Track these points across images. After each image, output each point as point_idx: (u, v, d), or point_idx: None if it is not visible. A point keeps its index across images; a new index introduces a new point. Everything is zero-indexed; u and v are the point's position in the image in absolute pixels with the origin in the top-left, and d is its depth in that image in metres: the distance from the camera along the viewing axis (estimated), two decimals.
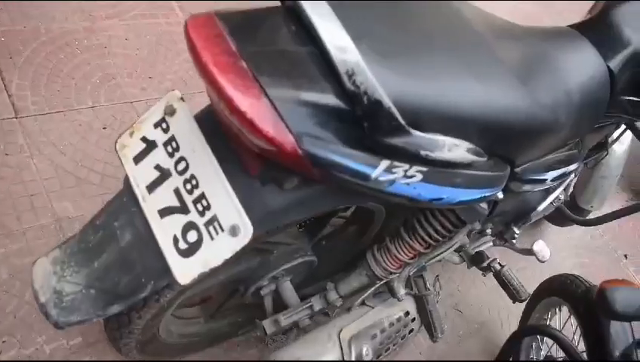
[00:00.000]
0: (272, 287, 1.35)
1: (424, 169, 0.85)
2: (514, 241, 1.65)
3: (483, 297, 2.23)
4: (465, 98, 0.84)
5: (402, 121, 0.73)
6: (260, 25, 0.76)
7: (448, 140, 0.81)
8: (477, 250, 1.73)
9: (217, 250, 0.84)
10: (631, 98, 1.40)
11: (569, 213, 1.90)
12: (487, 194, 1.02)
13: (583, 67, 1.23)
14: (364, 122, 0.71)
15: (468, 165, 0.90)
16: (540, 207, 1.60)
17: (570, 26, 1.38)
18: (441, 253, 1.40)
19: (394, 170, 0.81)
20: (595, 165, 2.00)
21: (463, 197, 0.96)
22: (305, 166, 0.74)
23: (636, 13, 1.35)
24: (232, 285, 1.37)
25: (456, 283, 2.22)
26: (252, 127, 0.68)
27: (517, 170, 1.16)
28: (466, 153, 0.85)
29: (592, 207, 2.16)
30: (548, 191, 1.62)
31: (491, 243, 1.71)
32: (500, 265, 1.69)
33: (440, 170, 0.87)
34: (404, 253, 1.27)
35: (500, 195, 1.15)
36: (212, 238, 0.85)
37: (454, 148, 0.82)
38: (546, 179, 1.28)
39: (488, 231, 1.60)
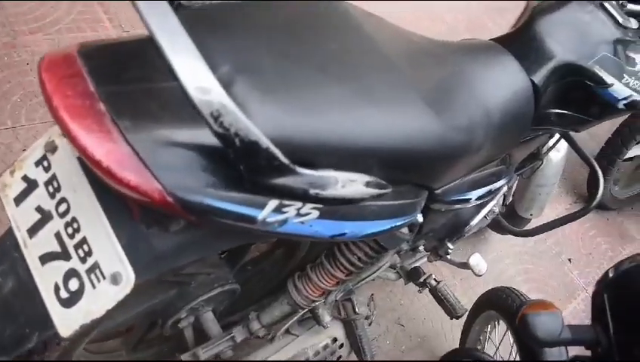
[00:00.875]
0: (191, 319, 1.28)
1: (320, 206, 0.79)
2: (448, 257, 1.61)
3: (426, 310, 2.20)
4: (361, 129, 0.79)
5: (285, 161, 0.67)
6: (125, 59, 0.70)
7: (343, 176, 0.75)
8: (414, 265, 1.70)
9: (99, 300, 0.77)
10: (557, 110, 1.38)
11: (506, 224, 1.88)
12: (398, 224, 0.97)
13: (504, 83, 1.20)
14: (240, 164, 0.66)
15: (371, 198, 0.85)
16: (473, 222, 1.58)
17: (494, 39, 1.35)
18: (368, 276, 1.35)
19: (285, 209, 0.76)
20: (531, 175, 1.99)
21: (369, 229, 0.91)
22: (179, 213, 0.68)
23: (560, 25, 1.33)
24: (149, 317, 1.30)
25: (398, 297, 2.19)
26: (111, 176, 0.62)
27: (437, 191, 1.12)
28: (365, 187, 0.79)
29: (531, 215, 2.16)
30: (481, 206, 1.59)
31: (426, 259, 1.68)
32: (436, 281, 1.66)
33: (338, 206, 0.82)
34: (325, 280, 1.22)
35: (420, 219, 1.11)
36: (94, 287, 0.78)
37: (350, 184, 0.76)
38: (470, 199, 1.25)
39: (420, 248, 1.57)
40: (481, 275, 1.69)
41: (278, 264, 1.42)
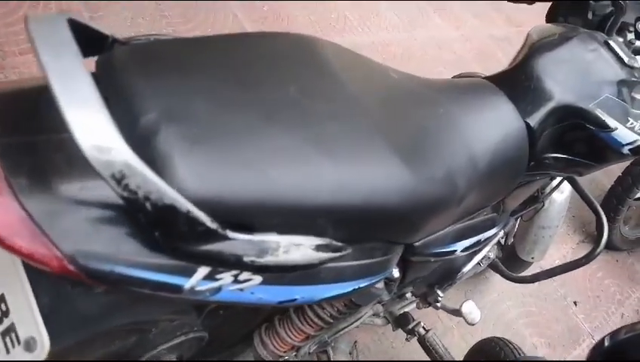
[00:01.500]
0: None
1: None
2: (438, 305, 1.51)
3: (418, 354, 2.07)
4: (312, 186, 0.69)
5: (212, 225, 0.58)
6: (27, 104, 0.61)
7: (286, 240, 0.66)
8: (403, 310, 1.60)
9: None
10: (556, 155, 1.28)
11: (503, 269, 1.77)
12: (364, 285, 0.87)
13: (495, 126, 1.10)
14: (154, 230, 0.56)
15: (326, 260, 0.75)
16: (465, 269, 1.47)
17: (487, 78, 1.26)
18: (345, 328, 1.25)
19: (218, 276, 0.66)
20: (531, 217, 1.88)
21: (327, 293, 0.81)
22: (87, 282, 0.58)
23: (559, 63, 1.23)
24: None
25: (389, 340, 2.07)
26: (2, 243, 0.53)
27: (416, 244, 1.02)
28: (314, 252, 0.70)
29: (532, 258, 2.04)
30: (474, 253, 1.49)
31: (414, 306, 1.57)
32: (425, 329, 1.55)
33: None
34: (293, 335, 1.12)
35: (396, 274, 1.01)
36: (8, 351, 0.69)
37: (294, 249, 0.67)
38: (455, 250, 1.14)
39: (408, 294, 1.46)
40: (474, 324, 1.58)
41: (250, 309, 1.32)
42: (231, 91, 0.70)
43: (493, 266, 1.78)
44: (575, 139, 1.26)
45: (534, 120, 1.17)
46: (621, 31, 1.54)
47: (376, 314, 1.41)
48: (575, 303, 2.62)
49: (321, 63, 0.86)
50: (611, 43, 1.32)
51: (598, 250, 1.59)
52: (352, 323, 1.26)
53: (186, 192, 0.56)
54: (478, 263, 1.50)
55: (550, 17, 1.54)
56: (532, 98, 1.18)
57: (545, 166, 1.28)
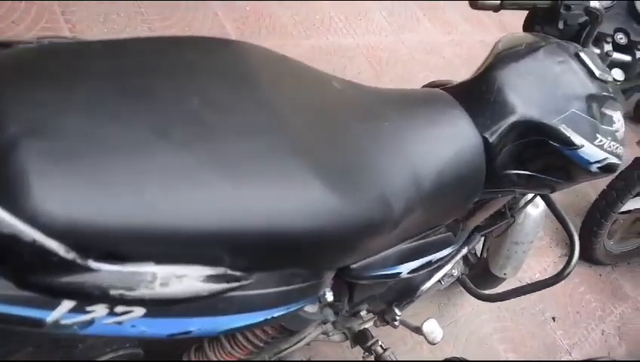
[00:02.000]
0: None
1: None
2: (395, 323, 1.43)
3: None
4: (200, 212, 0.61)
5: (68, 255, 0.51)
6: None
7: (164, 271, 0.59)
8: (363, 326, 1.53)
9: None
10: (519, 172, 1.20)
11: (471, 287, 1.70)
12: (279, 314, 0.80)
13: (447, 141, 1.03)
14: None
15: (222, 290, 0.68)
16: (424, 287, 1.40)
17: (446, 89, 1.19)
18: (286, 349, 1.18)
19: (89, 308, 0.59)
20: (503, 233, 1.81)
21: (230, 324, 0.74)
22: None
23: (522, 75, 1.16)
24: None
25: (355, 355, 2.00)
26: None
27: (353, 266, 0.95)
28: (202, 283, 0.63)
29: (505, 274, 1.97)
30: (432, 270, 1.42)
31: (372, 323, 1.50)
32: (382, 348, 1.48)
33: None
34: (223, 358, 1.05)
35: (329, 298, 0.94)
36: None
37: (175, 281, 0.60)
38: (400, 273, 1.07)
39: (363, 312, 1.39)
40: (435, 344, 1.52)
41: None
42: (118, 103, 0.63)
43: (461, 282, 1.71)
44: (539, 155, 1.19)
45: (493, 135, 1.10)
46: (598, 42, 1.47)
47: (325, 333, 1.34)
48: (553, 318, 2.55)
49: (242, 73, 0.79)
50: (582, 55, 1.25)
51: (568, 270, 1.53)
52: (295, 344, 1.19)
53: (40, 218, 0.49)
54: (439, 281, 1.43)
55: (527, 26, 1.47)
56: (492, 112, 1.11)
57: (507, 183, 1.21)
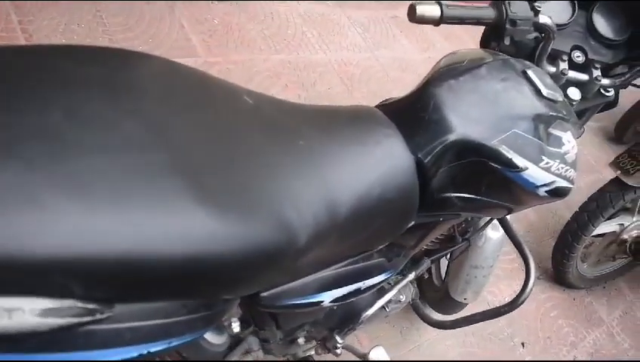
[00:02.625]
0: None
1: None
2: (337, 351, 1.36)
3: None
4: (33, 237, 0.54)
5: None
6: None
7: None
8: (308, 353, 1.45)
9: None
10: (460, 195, 1.14)
11: (422, 313, 1.63)
12: (157, 349, 0.72)
13: (373, 163, 0.96)
14: None
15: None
16: (367, 314, 1.33)
17: (381, 105, 1.13)
18: None
19: None
20: (458, 256, 1.74)
21: (94, 359, 0.66)
22: None
23: (460, 93, 1.10)
24: None
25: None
26: None
27: (262, 294, 0.88)
28: (38, 318, 0.55)
29: (465, 299, 1.90)
30: (379, 293, 1.35)
31: (314, 351, 1.43)
32: None
33: None
34: None
35: (235, 329, 0.86)
36: None
37: (3, 316, 0.52)
38: (322, 301, 1.00)
39: (300, 340, 1.31)
40: None
41: None
42: None
43: (414, 308, 1.64)
44: (480, 178, 1.13)
45: (427, 155, 1.03)
46: (554, 59, 1.42)
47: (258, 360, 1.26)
48: (523, 344, 2.47)
49: (128, 85, 0.72)
50: (530, 72, 1.19)
51: (523, 298, 1.46)
52: None
53: None
54: (384, 307, 1.36)
55: (483, 42, 1.41)
56: (426, 131, 1.05)
57: (447, 206, 1.15)
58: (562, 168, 1.17)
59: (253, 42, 2.80)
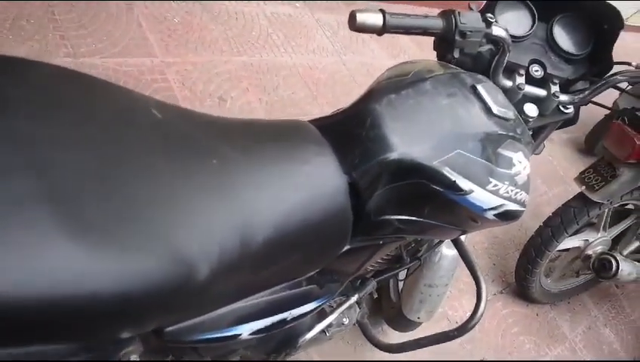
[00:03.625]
0: None
1: None
2: None
3: None
4: None
5: None
6: None
7: None
8: None
9: None
10: (402, 217, 1.06)
11: (370, 335, 1.55)
12: None
13: (297, 185, 0.88)
14: None
15: None
16: (305, 338, 1.24)
17: (315, 120, 1.04)
18: None
19: None
20: (412, 273, 1.67)
21: None
22: None
23: (401, 109, 1.02)
24: None
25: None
26: None
27: (167, 330, 0.79)
28: None
29: (419, 318, 1.83)
30: (319, 317, 1.27)
31: None
32: None
33: None
34: None
35: None
36: None
37: None
38: (239, 334, 0.91)
39: None
40: None
41: None
42: None
43: (362, 329, 1.56)
44: (422, 200, 1.05)
45: (362, 176, 0.95)
46: (511, 73, 1.34)
47: None
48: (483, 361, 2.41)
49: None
50: (480, 88, 1.12)
51: (473, 322, 1.39)
52: None
53: None
54: (324, 331, 1.27)
55: (438, 54, 1.33)
56: (362, 149, 0.97)
57: (387, 229, 1.07)
58: (512, 191, 1.10)
59: (214, 43, 2.70)
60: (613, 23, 1.41)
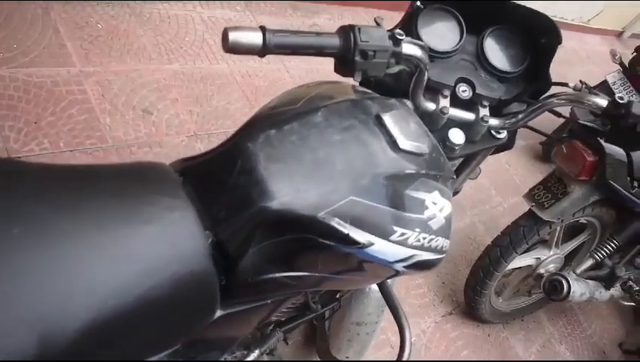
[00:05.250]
0: None
1: None
2: None
3: None
4: None
5: None
6: None
7: None
8: None
9: None
10: (288, 274, 0.89)
11: None
12: None
13: (135, 252, 0.70)
14: None
15: None
16: None
17: (184, 160, 0.87)
18: None
19: None
20: (336, 312, 1.50)
21: None
22: None
23: (283, 147, 0.85)
24: None
25: None
26: None
27: None
28: None
29: (347, 357, 1.66)
30: None
31: None
32: None
33: None
34: None
35: None
36: None
37: None
38: None
39: None
40: None
41: None
42: None
43: None
44: (312, 254, 0.88)
45: (229, 232, 0.78)
46: (436, 94, 1.18)
47: None
48: None
49: None
50: (386, 118, 0.95)
51: None
52: None
53: None
54: None
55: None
56: (230, 199, 0.80)
57: (274, 288, 0.90)
58: (424, 238, 0.93)
59: (142, 50, 2.50)
60: (551, 38, 1.26)
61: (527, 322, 2.84)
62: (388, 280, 1.37)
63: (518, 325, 2.79)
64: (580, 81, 3.19)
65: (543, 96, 1.23)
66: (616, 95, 1.10)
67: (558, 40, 1.23)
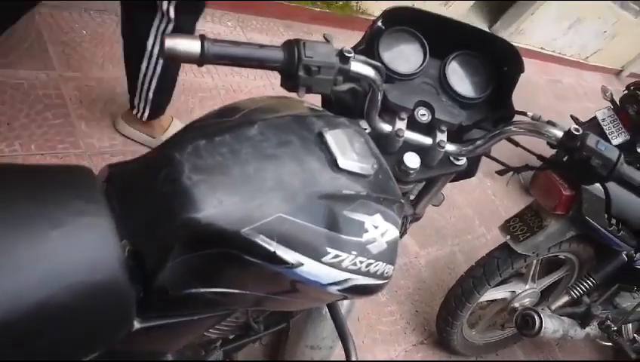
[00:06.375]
0: None
1: None
2: None
3: None
4: None
5: None
6: None
7: None
8: None
9: None
10: (213, 290, 0.86)
11: None
12: None
13: (38, 258, 0.67)
14: None
15: None
16: None
17: (116, 165, 0.84)
18: None
19: None
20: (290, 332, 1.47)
21: None
22: None
23: (212, 158, 0.83)
24: None
25: None
26: None
27: None
28: None
29: None
30: None
31: None
32: None
33: None
34: None
35: None
36: None
37: None
38: None
39: None
40: None
41: None
42: None
43: None
44: (240, 270, 0.85)
45: (147, 242, 0.75)
46: (394, 116, 1.16)
47: None
48: None
49: None
50: (328, 135, 0.93)
51: None
52: None
53: None
54: None
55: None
56: (150, 208, 0.78)
57: (198, 304, 0.87)
58: (362, 262, 0.90)
59: (118, 60, 2.48)
60: (514, 66, 1.24)
61: (502, 356, 2.78)
62: (341, 303, 1.34)
63: (492, 359, 2.73)
64: (571, 116, 3.16)
65: (502, 125, 1.20)
66: (577, 131, 1.06)
67: (521, 68, 1.21)
